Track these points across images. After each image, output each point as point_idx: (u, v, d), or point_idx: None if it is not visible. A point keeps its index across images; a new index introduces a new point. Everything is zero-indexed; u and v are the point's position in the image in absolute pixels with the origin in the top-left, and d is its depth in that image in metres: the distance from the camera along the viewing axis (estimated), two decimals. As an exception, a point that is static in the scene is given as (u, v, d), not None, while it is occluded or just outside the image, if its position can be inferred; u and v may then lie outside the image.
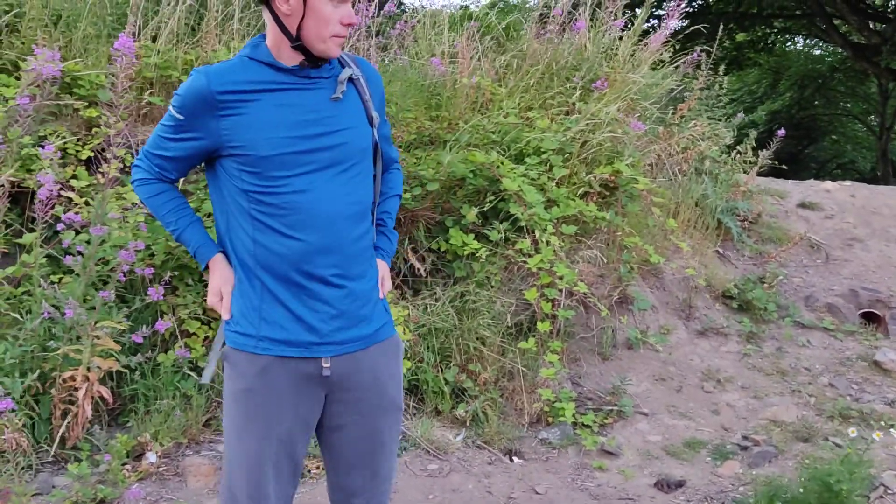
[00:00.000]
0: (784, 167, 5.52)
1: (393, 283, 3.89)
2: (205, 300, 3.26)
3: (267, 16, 1.60)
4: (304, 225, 1.60)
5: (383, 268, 1.79)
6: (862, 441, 2.96)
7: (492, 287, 3.81)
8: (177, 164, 1.70)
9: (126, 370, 3.00)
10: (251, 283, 1.63)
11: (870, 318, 4.44)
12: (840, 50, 19.19)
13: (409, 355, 3.56)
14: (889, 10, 17.87)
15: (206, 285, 3.30)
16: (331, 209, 1.62)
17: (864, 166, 23.84)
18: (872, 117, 22.57)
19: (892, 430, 3.06)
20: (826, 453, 3.10)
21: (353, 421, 1.70)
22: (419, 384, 3.56)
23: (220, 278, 1.67)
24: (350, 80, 1.68)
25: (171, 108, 1.62)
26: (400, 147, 4.07)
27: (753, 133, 5.44)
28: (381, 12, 4.72)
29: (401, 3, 5.17)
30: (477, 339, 3.70)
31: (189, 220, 1.72)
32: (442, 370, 3.62)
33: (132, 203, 3.19)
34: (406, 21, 4.90)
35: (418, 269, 3.86)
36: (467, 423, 3.45)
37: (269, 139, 1.58)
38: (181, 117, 1.60)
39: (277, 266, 1.60)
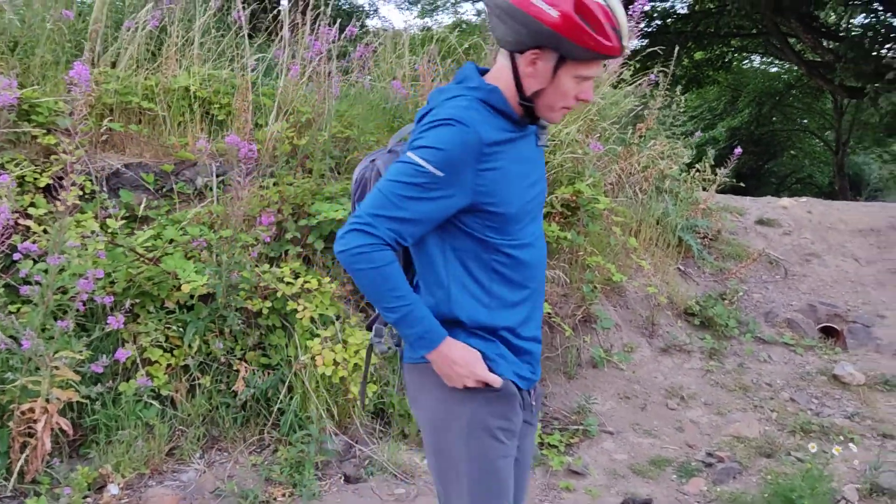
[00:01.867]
0: (742, 185, 5.64)
1: (356, 306, 3.88)
2: (168, 327, 3.23)
3: (504, 62, 1.53)
4: (532, 274, 1.62)
5: None
6: (823, 455, 3.02)
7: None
8: (419, 227, 1.50)
9: (86, 400, 2.95)
10: (483, 338, 1.59)
11: (828, 332, 4.54)
12: (795, 67, 19.73)
13: (374, 379, 3.55)
14: (841, 28, 18.44)
15: (168, 312, 3.27)
16: (542, 257, 1.67)
17: (822, 181, 24.43)
18: (829, 133, 23.18)
19: (851, 444, 3.12)
20: (788, 468, 3.15)
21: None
22: (385, 408, 3.54)
23: (469, 357, 1.55)
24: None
25: (423, 163, 1.45)
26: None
27: (711, 151, 5.55)
28: (343, 35, 4.73)
29: (363, 26, 5.18)
30: (443, 360, 3.70)
31: (416, 295, 1.54)
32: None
33: (91, 231, 3.14)
34: (367, 44, 4.92)
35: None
36: (434, 446, 3.43)
37: (515, 193, 1.55)
38: (440, 174, 1.45)
39: (510, 314, 1.60)
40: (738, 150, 5.28)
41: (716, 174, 5.53)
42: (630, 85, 5.39)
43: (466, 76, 1.59)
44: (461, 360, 1.53)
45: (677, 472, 3.28)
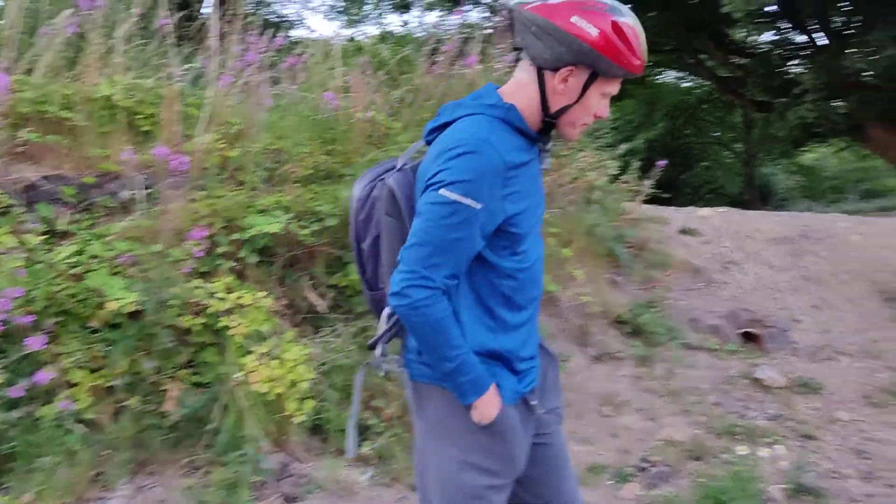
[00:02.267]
0: (667, 195, 5.83)
1: (292, 321, 3.80)
2: (92, 347, 3.08)
3: (528, 77, 1.55)
4: (533, 296, 1.67)
5: None
6: (750, 457, 3.14)
7: (395, 321, 3.79)
8: (467, 257, 1.52)
9: (3, 426, 2.77)
10: (487, 358, 1.62)
11: (749, 336, 4.74)
12: (707, 82, 20.63)
13: (311, 394, 3.48)
14: (750, 45, 19.40)
15: (92, 332, 3.11)
16: (540, 277, 1.70)
17: (734, 191, 25.57)
18: (739, 145, 24.32)
19: (776, 445, 3.27)
20: (718, 470, 3.26)
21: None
22: (322, 424, 3.47)
23: (497, 401, 1.61)
24: None
25: (459, 198, 1.45)
26: (296, 183, 4.01)
27: (636, 163, 5.72)
28: (270, 45, 4.65)
29: (288, 36, 5.11)
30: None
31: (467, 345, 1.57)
32: (345, 408, 3.55)
33: (7, 247, 2.97)
34: (300, 54, 4.85)
35: (318, 306, 3.80)
36: (374, 461, 3.39)
37: (530, 212, 1.58)
38: (479, 206, 1.46)
39: (513, 336, 1.63)
40: (662, 162, 5.46)
41: (641, 185, 5.70)
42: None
43: (484, 93, 1.61)
44: (494, 403, 1.59)
45: (613, 477, 3.35)
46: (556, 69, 1.51)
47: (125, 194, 3.70)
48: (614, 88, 1.55)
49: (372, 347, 1.71)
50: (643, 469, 3.39)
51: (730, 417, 3.77)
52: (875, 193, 25.29)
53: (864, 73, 13.27)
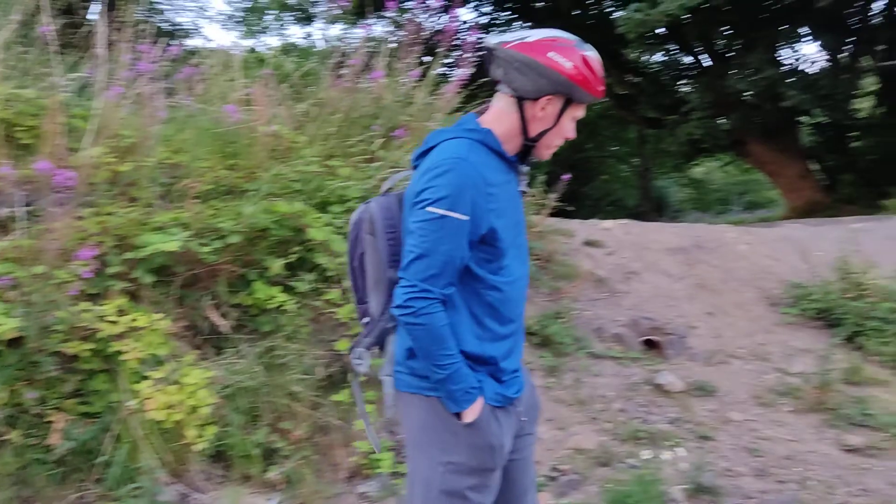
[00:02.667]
0: (573, 208, 5.98)
1: (192, 343, 3.63)
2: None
3: (508, 107, 1.74)
4: (518, 310, 1.81)
5: None
6: (654, 461, 3.23)
7: (301, 340, 3.69)
8: (460, 264, 1.68)
9: None
10: (472, 362, 1.74)
11: (650, 344, 4.91)
12: (605, 99, 21.45)
13: (213, 420, 3.32)
14: (642, 65, 20.34)
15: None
16: (525, 292, 1.85)
17: (631, 203, 26.65)
18: (635, 159, 25.41)
19: (676, 448, 3.38)
20: (624, 475, 3.34)
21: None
22: (225, 450, 3.32)
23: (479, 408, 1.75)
24: None
25: (446, 213, 1.61)
26: (195, 199, 3.85)
27: (542, 177, 5.83)
28: (164, 54, 4.45)
29: (184, 46, 4.92)
30: (288, 395, 3.55)
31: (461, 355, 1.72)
32: (250, 432, 3.42)
33: None
34: (197, 64, 4.68)
35: (221, 326, 3.64)
36: (281, 486, 3.27)
37: (508, 227, 1.71)
38: (465, 217, 1.62)
39: (497, 345, 1.76)
40: (566, 176, 5.59)
41: (546, 198, 5.81)
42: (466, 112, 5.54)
43: (464, 121, 1.80)
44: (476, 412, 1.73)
45: (525, 489, 3.36)
46: (536, 99, 1.72)
47: (3, 212, 3.43)
48: (582, 112, 1.78)
49: (351, 350, 1.91)
50: (553, 478, 3.43)
51: (634, 423, 3.88)
52: (757, 204, 27.00)
53: (744, 93, 14.15)
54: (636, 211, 24.67)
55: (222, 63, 4.72)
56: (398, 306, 1.66)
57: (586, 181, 26.37)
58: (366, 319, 1.90)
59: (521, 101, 1.72)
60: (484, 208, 1.65)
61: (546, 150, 1.80)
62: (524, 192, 1.89)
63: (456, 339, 1.70)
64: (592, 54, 1.73)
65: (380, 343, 1.87)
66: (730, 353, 4.77)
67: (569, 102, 1.73)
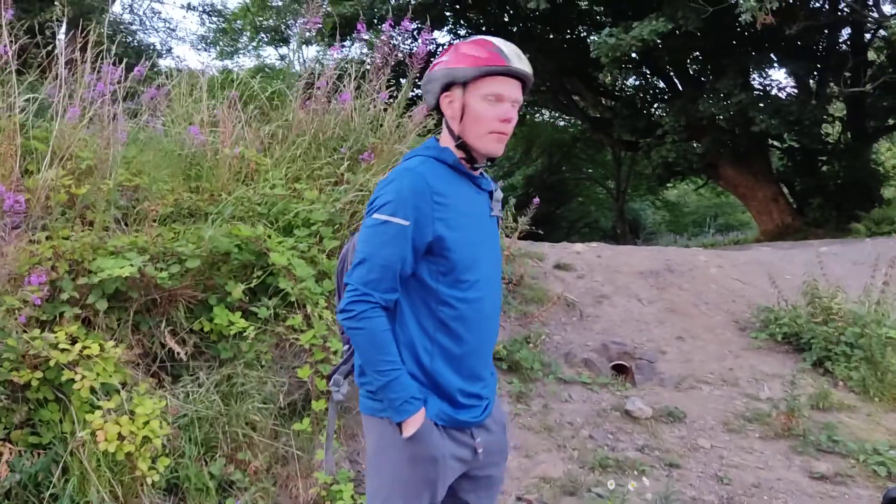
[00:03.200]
0: (541, 231, 5.95)
1: (148, 370, 3.52)
2: None
3: (443, 126, 1.81)
4: (477, 329, 1.77)
5: None
6: (620, 490, 3.17)
7: (262, 367, 3.60)
8: (402, 269, 1.68)
9: None
10: (419, 376, 1.73)
11: (619, 369, 4.87)
12: (580, 122, 21.66)
13: (167, 451, 3.21)
14: (617, 89, 20.59)
15: None
16: (491, 314, 1.82)
17: (607, 225, 26.86)
18: (610, 181, 25.62)
19: (644, 478, 3.32)
20: (590, 505, 3.28)
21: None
22: (179, 482, 3.21)
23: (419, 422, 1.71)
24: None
25: (388, 218, 1.65)
26: (154, 222, 3.76)
27: (512, 200, 5.82)
28: (130, 76, 4.38)
29: (154, 66, 4.85)
30: (246, 424, 3.46)
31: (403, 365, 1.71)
32: (206, 463, 3.31)
33: None
34: (160, 86, 4.60)
35: (178, 353, 3.54)
36: (238, 520, 3.16)
37: (464, 243, 1.71)
38: (407, 222, 1.65)
39: (449, 363, 1.74)
40: (536, 200, 5.57)
41: (517, 222, 5.79)
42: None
43: (426, 143, 1.85)
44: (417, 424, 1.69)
45: (490, 520, 3.28)
46: (439, 104, 1.79)
47: (-47, 236, 3.32)
48: (494, 87, 1.72)
49: (329, 378, 1.94)
50: (519, 509, 3.36)
51: (601, 451, 3.83)
52: (730, 227, 27.33)
53: (716, 117, 14.34)
54: (611, 233, 24.86)
55: (188, 83, 4.65)
56: (340, 311, 1.70)
57: (561, 203, 26.56)
58: (346, 346, 1.94)
59: (439, 113, 1.81)
60: (429, 216, 1.66)
61: (481, 142, 1.75)
62: (497, 217, 1.91)
63: (406, 351, 1.72)
64: (467, 41, 1.79)
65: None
66: (699, 379, 4.75)
67: (463, 86, 1.73)
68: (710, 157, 15.51)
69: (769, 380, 4.79)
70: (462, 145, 1.76)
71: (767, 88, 17.05)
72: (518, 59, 1.74)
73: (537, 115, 25.34)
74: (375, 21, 12.08)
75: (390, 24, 5.01)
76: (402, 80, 5.12)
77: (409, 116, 4.98)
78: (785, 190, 17.12)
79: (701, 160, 15.33)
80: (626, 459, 3.76)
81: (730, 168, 15.84)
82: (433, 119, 5.39)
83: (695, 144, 15.49)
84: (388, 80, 4.99)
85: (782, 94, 16.66)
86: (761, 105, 13.75)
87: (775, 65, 16.43)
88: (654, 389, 4.59)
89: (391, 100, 4.99)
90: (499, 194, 1.91)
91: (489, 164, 1.88)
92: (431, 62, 4.74)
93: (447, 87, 1.75)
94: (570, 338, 4.99)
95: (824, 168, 16.64)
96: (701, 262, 6.57)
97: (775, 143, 16.95)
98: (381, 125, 4.82)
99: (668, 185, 21.42)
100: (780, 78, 26.22)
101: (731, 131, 15.34)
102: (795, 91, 16.88)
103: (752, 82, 16.31)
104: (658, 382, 4.69)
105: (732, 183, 16.41)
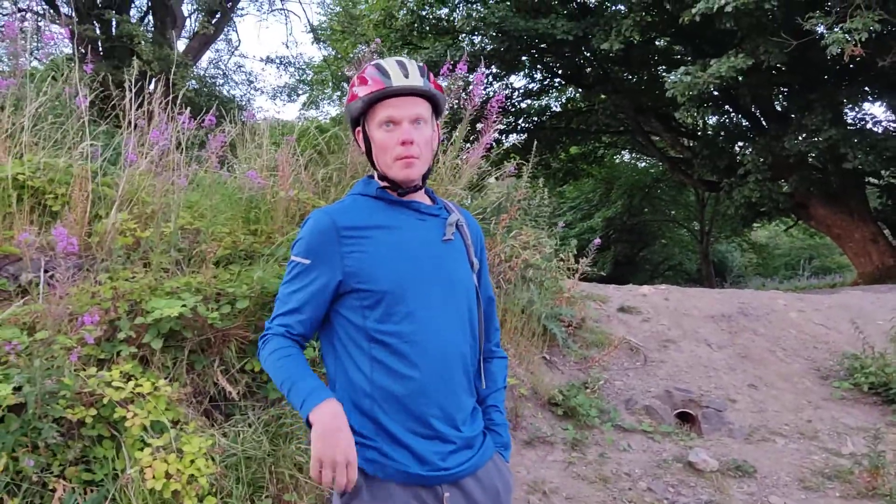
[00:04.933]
0: (603, 273, 5.80)
1: (200, 407, 3.59)
2: None
3: None
4: (422, 365, 1.64)
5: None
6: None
7: (309, 408, 3.61)
8: (305, 314, 1.67)
9: None
10: (365, 425, 1.64)
11: (684, 417, 4.62)
12: (660, 163, 21.24)
13: (213, 490, 3.24)
14: (698, 128, 20.12)
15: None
16: (443, 347, 1.68)
17: (691, 268, 25.99)
18: (694, 223, 24.88)
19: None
20: (643, 564, 3.08)
21: None
22: (226, 523, 3.22)
23: (333, 416, 1.55)
24: (456, 225, 1.79)
25: (292, 258, 1.71)
26: (213, 263, 3.88)
27: (573, 241, 5.72)
28: (203, 124, 4.60)
29: (223, 117, 5.08)
30: (294, 465, 3.46)
31: (307, 370, 1.65)
32: (253, 503, 3.32)
33: None
34: (222, 131, 4.80)
35: (230, 392, 3.60)
36: (282, 563, 3.14)
37: (388, 271, 1.65)
38: (307, 261, 1.66)
39: (394, 405, 1.63)
40: (598, 241, 5.44)
41: (578, 263, 5.67)
42: (495, 177, 5.52)
43: (361, 182, 1.83)
44: (330, 413, 1.53)
45: (536, 575, 3.14)
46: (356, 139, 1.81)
47: (24, 277, 3.53)
48: (383, 114, 1.68)
49: None
50: (568, 565, 3.19)
51: (660, 505, 3.61)
52: (827, 269, 25.88)
53: (804, 154, 13.75)
54: (696, 276, 24.01)
55: (250, 131, 4.84)
56: None
57: (645, 245, 25.96)
58: None
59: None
60: (335, 252, 1.65)
61: (390, 170, 1.70)
62: (462, 241, 1.80)
63: (347, 399, 1.64)
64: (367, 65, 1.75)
65: None
66: (773, 430, 4.44)
67: (361, 122, 1.74)
68: (798, 196, 14.82)
69: (852, 433, 4.43)
70: (383, 176, 1.73)
71: (861, 123, 16.24)
72: (400, 76, 1.66)
73: (616, 156, 25.06)
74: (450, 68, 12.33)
75: (462, 69, 5.05)
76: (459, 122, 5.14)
77: (465, 158, 4.99)
78: (885, 230, 16.11)
79: (788, 199, 14.66)
80: (687, 515, 3.53)
81: (821, 207, 15.07)
82: (490, 159, 5.39)
83: (781, 183, 14.85)
84: (446, 123, 5.04)
85: (878, 129, 15.83)
86: (855, 140, 13.08)
87: (870, 98, 15.64)
88: (722, 440, 4.31)
89: (446, 142, 5.02)
90: (454, 217, 1.78)
91: (418, 186, 1.75)
92: (488, 104, 4.72)
93: (353, 125, 1.77)
94: (632, 383, 4.78)
95: (928, 207, 15.60)
96: (780, 305, 6.21)
97: (872, 179, 16.04)
98: (437, 166, 4.85)
99: (756, 225, 20.58)
100: (877, 112, 24.96)
101: (822, 168, 14.64)
102: (894, 125, 16.00)
103: (845, 117, 15.56)
104: (726, 433, 4.41)
105: (825, 223, 15.58)
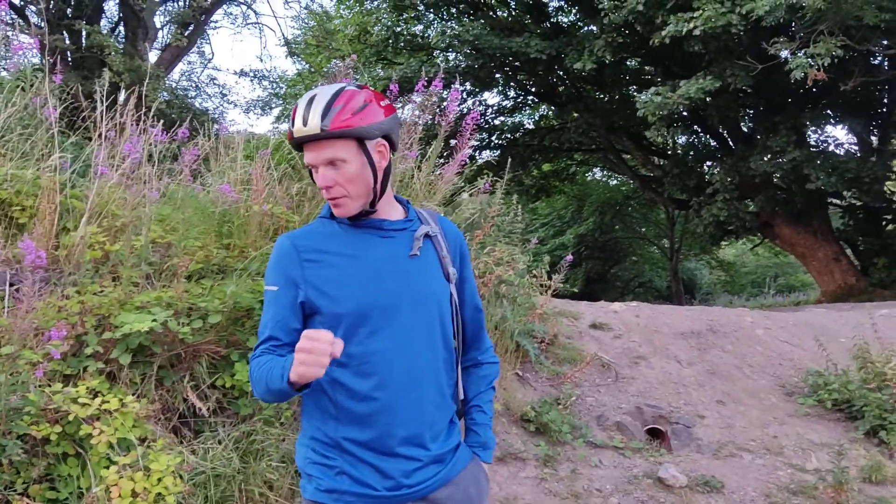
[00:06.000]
0: (574, 290, 5.85)
1: (169, 424, 3.54)
2: None
3: None
4: (382, 382, 1.63)
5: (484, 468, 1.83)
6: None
7: (281, 424, 3.58)
8: (286, 333, 1.66)
9: None
10: (329, 449, 1.67)
11: (654, 433, 4.66)
12: (631, 181, 21.53)
13: (181, 509, 3.19)
14: (668, 147, 20.46)
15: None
16: (409, 364, 1.66)
17: (661, 284, 26.30)
18: (664, 240, 25.21)
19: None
20: (613, 580, 3.09)
21: None
22: (193, 541, 3.17)
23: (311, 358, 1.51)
24: (427, 236, 1.75)
25: (266, 287, 1.73)
26: (184, 278, 3.84)
27: (546, 258, 5.76)
28: (175, 136, 4.57)
29: (197, 131, 5.05)
30: (264, 483, 3.42)
31: (274, 366, 1.61)
32: (221, 522, 3.27)
33: None
34: (195, 145, 4.77)
35: (199, 409, 3.55)
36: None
37: (351, 293, 1.64)
38: (275, 287, 1.69)
39: (357, 426, 1.64)
40: (569, 258, 5.49)
41: (551, 279, 5.71)
42: (468, 193, 5.56)
43: (326, 205, 1.80)
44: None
45: (508, 592, 3.13)
46: None
47: (-11, 291, 3.46)
48: (306, 158, 1.68)
49: None
50: (539, 582, 3.19)
51: (630, 521, 3.63)
52: (792, 288, 26.38)
53: (769, 175, 14.04)
54: (666, 293, 24.29)
55: (225, 144, 4.81)
56: None
57: (615, 262, 26.22)
58: None
59: None
60: (297, 275, 1.66)
61: (331, 203, 1.71)
62: (414, 255, 1.73)
63: (313, 423, 1.69)
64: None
65: None
66: (740, 446, 4.50)
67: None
68: (764, 216, 15.13)
69: (817, 449, 4.51)
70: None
71: (824, 145, 16.66)
72: (299, 124, 1.63)
73: (588, 173, 25.36)
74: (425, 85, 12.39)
75: (437, 85, 5.07)
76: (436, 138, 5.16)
77: (440, 174, 5.02)
78: (847, 250, 16.49)
79: (754, 219, 14.96)
80: (657, 531, 3.55)
81: (786, 227, 15.39)
82: (465, 175, 5.43)
83: (748, 202, 15.15)
84: (420, 139, 5.06)
85: (840, 151, 16.24)
86: (818, 161, 13.41)
87: (832, 121, 16.07)
88: (691, 456, 4.36)
89: (421, 158, 5.04)
90: (422, 230, 1.75)
91: (368, 212, 1.72)
92: (463, 120, 4.75)
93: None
94: (604, 400, 4.81)
95: (889, 227, 16.00)
96: (747, 322, 6.32)
97: (835, 200, 16.43)
98: (411, 183, 4.87)
99: (724, 243, 20.93)
100: (839, 135, 25.62)
101: (787, 189, 14.97)
102: (856, 147, 16.44)
103: (809, 139, 15.95)
104: (695, 449, 4.46)
105: (790, 242, 15.90)
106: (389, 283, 1.67)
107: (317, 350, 1.44)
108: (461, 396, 1.84)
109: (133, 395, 3.36)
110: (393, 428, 1.65)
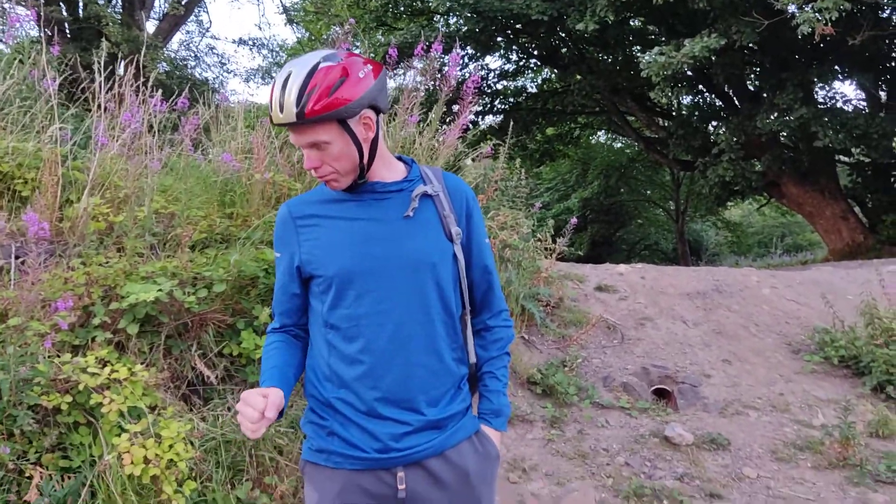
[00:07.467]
0: (580, 253, 5.84)
1: (178, 392, 3.58)
2: None
3: None
4: (370, 346, 1.62)
5: (494, 435, 1.76)
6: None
7: (289, 390, 3.61)
8: (288, 299, 1.75)
9: None
10: (324, 408, 1.68)
11: (661, 393, 4.69)
12: (636, 143, 21.34)
13: (193, 475, 3.23)
14: (672, 107, 20.23)
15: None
16: (398, 328, 1.63)
17: (667, 247, 26.23)
18: (669, 202, 25.08)
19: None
20: (621, 536, 3.14)
21: None
22: (206, 507, 3.22)
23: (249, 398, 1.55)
24: (427, 195, 1.70)
25: (275, 255, 1.78)
26: (188, 247, 3.84)
27: (550, 221, 5.74)
28: (175, 107, 4.53)
29: (199, 100, 5.01)
30: (273, 448, 3.46)
31: (274, 363, 1.71)
32: (233, 487, 3.32)
33: None
34: (195, 114, 4.74)
35: (208, 377, 3.58)
36: (262, 546, 3.15)
37: (338, 256, 1.65)
38: (279, 254, 1.76)
39: (348, 388, 1.64)
40: (574, 221, 5.46)
41: (555, 243, 5.70)
42: (470, 157, 5.52)
43: None
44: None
45: (517, 550, 3.18)
46: None
47: (-5, 264, 3.47)
48: (292, 139, 1.66)
49: None
50: (548, 539, 3.24)
51: (637, 479, 3.67)
52: (799, 247, 26.29)
53: (776, 133, 13.88)
54: (672, 255, 24.26)
55: (225, 113, 4.78)
56: None
57: (621, 226, 26.13)
58: None
59: None
60: (294, 241, 1.71)
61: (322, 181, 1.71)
62: (408, 216, 1.68)
63: (310, 382, 1.74)
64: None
65: None
66: (746, 404, 4.52)
67: None
68: (771, 175, 15.00)
69: (823, 406, 4.53)
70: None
71: (832, 101, 16.44)
72: (276, 111, 1.57)
73: (592, 137, 25.14)
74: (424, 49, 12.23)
75: (437, 50, 5.00)
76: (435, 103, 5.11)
77: (442, 140, 4.98)
78: (855, 207, 16.38)
79: (761, 178, 14.83)
80: (664, 488, 3.59)
81: (793, 186, 15.27)
82: (467, 140, 5.39)
83: (754, 162, 15.01)
84: (421, 104, 5.01)
85: (849, 107, 16.03)
86: (825, 119, 13.24)
87: (840, 77, 15.83)
88: (697, 415, 4.39)
89: (422, 123, 5.00)
90: (419, 189, 1.68)
91: (362, 180, 1.68)
92: (464, 85, 4.68)
93: None
94: (610, 361, 4.83)
95: (897, 183, 15.88)
96: (753, 282, 6.30)
97: (843, 158, 16.27)
98: (413, 148, 4.83)
99: (730, 204, 20.82)
100: (847, 91, 25.25)
101: (794, 147, 14.83)
102: (864, 103, 16.22)
103: (816, 96, 15.73)
104: (701, 408, 4.49)
105: (797, 201, 15.80)
106: (377, 247, 1.64)
107: (247, 415, 1.49)
108: (472, 360, 1.79)
109: (142, 364, 3.39)
110: (380, 392, 1.63)
